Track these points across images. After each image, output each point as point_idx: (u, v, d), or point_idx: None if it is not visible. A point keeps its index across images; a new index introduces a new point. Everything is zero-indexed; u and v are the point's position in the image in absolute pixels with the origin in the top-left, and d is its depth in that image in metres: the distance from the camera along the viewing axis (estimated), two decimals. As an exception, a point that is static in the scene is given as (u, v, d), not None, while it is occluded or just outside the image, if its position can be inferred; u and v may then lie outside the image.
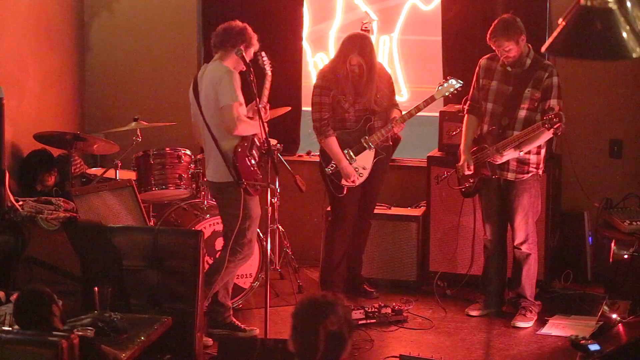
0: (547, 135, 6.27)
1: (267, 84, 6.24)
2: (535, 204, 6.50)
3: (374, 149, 6.75)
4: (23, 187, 7.15)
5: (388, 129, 6.71)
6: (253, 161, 6.06)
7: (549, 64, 6.37)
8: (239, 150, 6.01)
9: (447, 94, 6.76)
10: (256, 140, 6.10)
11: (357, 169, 6.73)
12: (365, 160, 6.75)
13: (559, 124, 6.09)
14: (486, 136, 6.46)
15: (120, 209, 6.64)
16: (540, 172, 6.50)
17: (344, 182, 6.72)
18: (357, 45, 6.64)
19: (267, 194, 6.07)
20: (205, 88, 6.06)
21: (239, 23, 6.11)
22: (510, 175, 6.44)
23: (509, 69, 6.39)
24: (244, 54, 5.98)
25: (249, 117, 6.09)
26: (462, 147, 6.56)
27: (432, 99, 6.68)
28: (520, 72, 6.37)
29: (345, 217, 6.84)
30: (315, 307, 3.31)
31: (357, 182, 6.75)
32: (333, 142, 6.69)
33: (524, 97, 6.34)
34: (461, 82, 6.75)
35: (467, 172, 6.50)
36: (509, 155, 6.34)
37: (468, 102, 6.64)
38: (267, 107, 6.27)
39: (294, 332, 3.30)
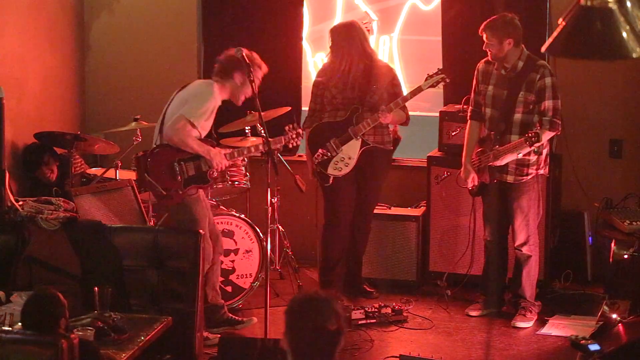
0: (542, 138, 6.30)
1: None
2: (535, 205, 6.49)
3: (360, 139, 6.75)
4: (25, 171, 7.17)
5: (375, 118, 6.69)
6: (177, 170, 6.03)
7: (542, 65, 6.36)
8: (166, 148, 6.03)
9: (433, 83, 6.71)
10: (203, 165, 6.06)
11: (343, 159, 6.73)
12: (351, 150, 6.74)
13: (539, 144, 6.16)
14: (486, 141, 6.46)
15: (120, 209, 6.64)
16: (542, 172, 6.49)
17: (330, 171, 6.72)
18: (330, 31, 6.82)
19: (267, 194, 6.08)
20: (184, 94, 6.09)
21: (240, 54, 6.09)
22: (510, 178, 6.43)
23: (503, 72, 6.40)
24: (243, 54, 5.98)
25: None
26: (463, 157, 6.56)
27: (419, 89, 6.67)
28: (514, 76, 6.37)
29: (340, 217, 6.83)
30: (308, 303, 3.31)
31: (343, 173, 6.74)
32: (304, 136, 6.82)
33: (518, 101, 6.34)
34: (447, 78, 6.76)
35: (469, 186, 6.51)
36: (508, 158, 6.35)
37: (470, 107, 6.63)
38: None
39: (288, 329, 3.31)
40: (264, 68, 6.15)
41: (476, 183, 6.53)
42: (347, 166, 6.74)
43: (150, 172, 6.09)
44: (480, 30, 6.37)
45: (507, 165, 6.40)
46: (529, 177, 6.43)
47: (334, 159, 6.72)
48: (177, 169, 6.04)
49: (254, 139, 6.93)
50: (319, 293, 3.36)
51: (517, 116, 6.35)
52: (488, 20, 6.36)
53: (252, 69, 5.99)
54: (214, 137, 6.49)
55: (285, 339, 3.30)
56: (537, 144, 6.18)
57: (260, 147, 6.22)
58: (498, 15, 6.37)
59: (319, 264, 7.03)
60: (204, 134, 6.11)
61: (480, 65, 6.55)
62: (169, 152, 6.04)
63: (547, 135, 6.32)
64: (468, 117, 6.64)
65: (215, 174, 6.12)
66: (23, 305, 4.31)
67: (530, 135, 6.17)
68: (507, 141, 6.36)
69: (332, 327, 3.26)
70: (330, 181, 6.74)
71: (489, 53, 6.38)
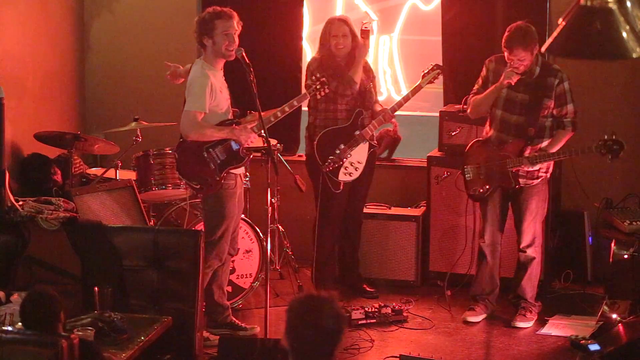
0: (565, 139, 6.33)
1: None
2: (542, 207, 6.49)
3: (367, 142, 6.75)
4: (33, 192, 7.17)
5: (380, 121, 6.71)
6: (207, 158, 6.01)
7: (558, 69, 6.33)
8: (188, 142, 6.03)
9: (431, 79, 6.68)
10: (233, 145, 6.05)
11: (352, 164, 6.74)
12: (360, 154, 6.75)
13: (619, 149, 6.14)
14: (510, 145, 6.37)
15: (120, 209, 6.64)
16: (549, 175, 6.49)
17: (340, 177, 6.72)
18: (348, 21, 6.73)
19: (267, 194, 6.08)
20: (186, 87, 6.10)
21: (207, 9, 6.08)
22: (521, 181, 6.41)
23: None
24: (243, 53, 5.97)
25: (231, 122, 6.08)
26: (490, 89, 6.35)
27: (419, 87, 6.67)
28: (532, 81, 6.32)
29: (334, 216, 6.83)
30: (309, 302, 3.34)
31: (353, 177, 6.75)
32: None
33: (542, 106, 6.31)
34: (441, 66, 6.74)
35: (515, 76, 6.24)
36: (544, 163, 6.33)
37: (470, 94, 6.54)
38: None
39: (288, 327, 3.33)
40: (236, 18, 6.06)
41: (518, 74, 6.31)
42: (357, 170, 6.75)
43: (181, 170, 6.12)
44: (507, 51, 6.18)
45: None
46: (539, 180, 6.42)
47: (344, 164, 6.72)
48: (207, 157, 6.03)
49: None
50: (320, 293, 3.38)
51: (542, 120, 6.33)
52: (509, 37, 6.17)
53: (229, 25, 5.98)
54: (237, 114, 6.32)
55: (286, 338, 3.31)
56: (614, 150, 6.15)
57: (286, 108, 6.21)
58: (517, 30, 6.19)
59: (312, 262, 7.01)
60: (225, 107, 6.07)
61: (491, 64, 6.45)
62: (194, 143, 6.03)
63: (568, 137, 6.34)
64: (470, 97, 6.49)
65: (247, 151, 6.09)
66: (20, 306, 4.31)
67: (601, 143, 6.14)
68: (537, 145, 6.34)
69: (331, 327, 3.28)
70: (342, 187, 6.74)
71: (521, 67, 6.22)
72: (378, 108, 6.80)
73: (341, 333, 3.32)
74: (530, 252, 6.50)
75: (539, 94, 6.31)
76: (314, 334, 3.28)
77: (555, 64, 6.38)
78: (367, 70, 6.83)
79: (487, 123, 6.52)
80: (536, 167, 6.33)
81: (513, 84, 6.27)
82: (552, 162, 6.45)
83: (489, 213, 6.57)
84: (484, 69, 6.48)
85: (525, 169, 6.33)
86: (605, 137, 6.17)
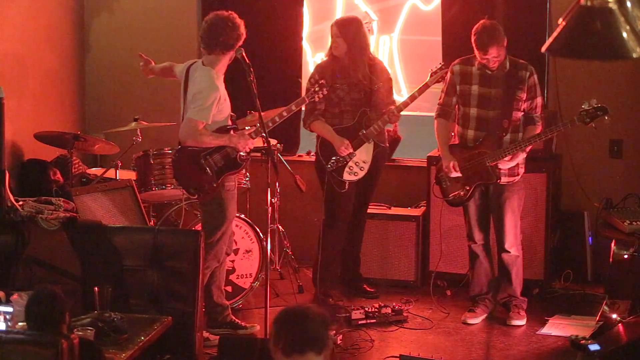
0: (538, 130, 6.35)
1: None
2: (521, 205, 6.52)
3: (372, 142, 6.75)
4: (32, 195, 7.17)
5: (385, 120, 6.70)
6: (205, 165, 6.03)
7: (526, 63, 6.38)
8: (187, 149, 6.04)
9: (439, 78, 6.69)
10: (230, 151, 6.06)
11: (357, 163, 6.73)
12: (365, 153, 6.74)
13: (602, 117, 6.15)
14: (484, 141, 6.41)
15: (120, 209, 6.64)
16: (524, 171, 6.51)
17: (345, 177, 6.71)
18: (338, 23, 6.74)
19: (267, 194, 6.08)
20: (190, 90, 6.07)
21: (229, 19, 6.04)
22: (503, 179, 6.42)
23: (488, 72, 6.35)
24: (243, 53, 5.97)
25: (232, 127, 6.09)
26: (442, 152, 6.51)
27: (426, 86, 6.65)
28: (504, 75, 6.34)
29: (341, 217, 6.83)
30: (292, 312, 3.42)
31: (358, 177, 6.74)
32: (320, 124, 6.69)
33: (516, 99, 6.33)
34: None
35: (454, 174, 6.46)
36: (520, 157, 6.32)
37: (437, 106, 6.59)
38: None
39: (275, 325, 3.39)
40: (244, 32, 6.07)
41: (459, 172, 6.45)
42: (362, 170, 6.74)
43: (178, 177, 6.14)
44: (480, 52, 6.24)
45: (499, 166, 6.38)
46: (519, 176, 6.44)
47: (348, 164, 6.71)
48: (205, 164, 6.03)
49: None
50: (302, 303, 3.47)
51: (516, 114, 6.35)
52: (479, 38, 6.23)
53: (240, 40, 5.98)
54: (234, 118, 6.31)
55: (272, 339, 3.36)
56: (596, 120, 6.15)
57: (284, 113, 6.22)
58: (483, 30, 6.23)
59: (315, 262, 7.01)
60: (226, 113, 6.08)
61: (455, 66, 6.48)
62: (192, 151, 6.04)
63: (539, 130, 6.35)
64: (435, 116, 6.58)
65: (244, 156, 6.10)
66: (26, 306, 4.30)
67: (586, 113, 6.14)
68: (516, 140, 6.34)
69: (318, 314, 3.37)
70: (347, 187, 6.73)
71: (497, 64, 6.29)
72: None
73: (326, 339, 3.35)
74: (514, 251, 6.51)
75: (512, 87, 6.33)
76: (301, 320, 3.34)
77: (521, 60, 6.39)
78: (381, 71, 6.80)
79: (458, 125, 6.51)
80: (518, 159, 6.31)
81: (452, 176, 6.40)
82: (524, 158, 6.42)
83: (473, 214, 6.58)
84: (449, 74, 6.50)
85: (502, 165, 6.31)
86: (586, 106, 6.15)
